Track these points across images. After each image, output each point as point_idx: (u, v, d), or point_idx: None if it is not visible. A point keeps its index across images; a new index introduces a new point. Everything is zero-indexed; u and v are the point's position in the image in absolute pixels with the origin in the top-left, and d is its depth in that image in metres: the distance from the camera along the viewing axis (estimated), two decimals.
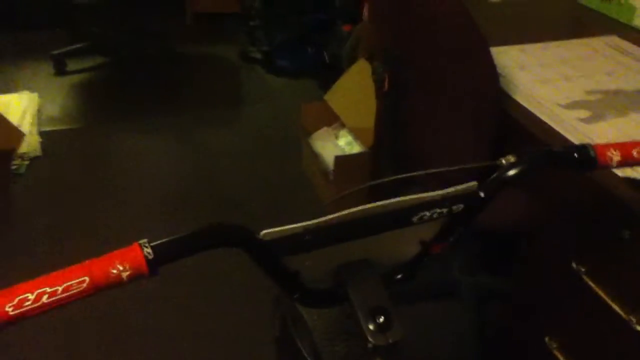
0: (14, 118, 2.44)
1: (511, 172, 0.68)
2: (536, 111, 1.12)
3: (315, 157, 2.20)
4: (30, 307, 0.50)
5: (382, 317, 0.69)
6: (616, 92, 1.19)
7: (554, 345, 1.04)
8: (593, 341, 0.98)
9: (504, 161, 0.70)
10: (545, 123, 1.08)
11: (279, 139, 2.60)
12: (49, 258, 1.85)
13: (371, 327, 0.68)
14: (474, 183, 0.68)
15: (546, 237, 1.08)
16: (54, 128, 2.59)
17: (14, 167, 2.28)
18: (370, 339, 0.68)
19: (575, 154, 0.68)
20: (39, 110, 2.67)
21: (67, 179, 2.30)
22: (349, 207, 0.65)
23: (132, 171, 2.37)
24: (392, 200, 0.66)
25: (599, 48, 1.39)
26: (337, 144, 2.21)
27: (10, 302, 0.49)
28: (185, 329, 1.68)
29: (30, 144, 2.39)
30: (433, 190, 0.66)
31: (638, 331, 0.85)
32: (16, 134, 2.23)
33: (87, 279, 0.52)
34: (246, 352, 1.61)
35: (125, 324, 1.69)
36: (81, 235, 1.99)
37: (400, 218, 0.67)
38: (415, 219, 0.67)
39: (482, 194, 0.68)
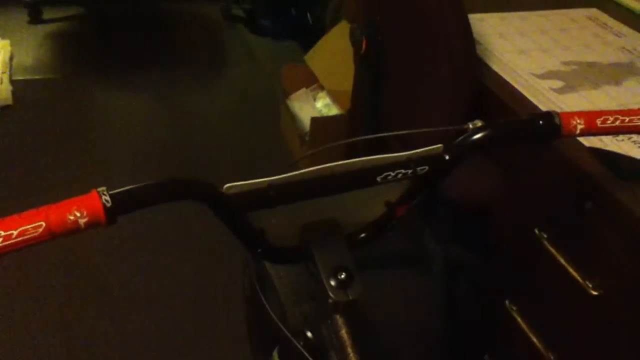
0: None
1: (476, 136, 0.68)
2: (511, 80, 1.12)
3: (293, 118, 2.18)
4: None
5: (343, 274, 0.70)
6: (591, 65, 1.20)
7: (514, 309, 1.07)
8: (550, 305, 1.01)
9: (470, 126, 0.70)
10: (518, 92, 1.09)
11: (258, 100, 2.58)
12: (15, 208, 1.83)
13: (332, 283, 0.69)
14: (439, 146, 0.69)
15: (512, 205, 1.10)
16: (27, 77, 2.52)
17: None
18: (331, 294, 0.69)
19: (540, 122, 0.68)
20: (11, 59, 2.60)
21: (38, 130, 2.26)
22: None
23: (106, 126, 2.33)
24: (358, 159, 0.67)
25: (578, 20, 1.39)
26: (314, 106, 2.20)
27: None
28: (155, 289, 1.69)
29: (1, 92, 2.33)
30: None
31: (593, 296, 0.87)
32: None
33: (43, 224, 0.51)
34: (218, 311, 1.62)
35: (94, 283, 1.68)
36: (49, 187, 1.97)
37: (365, 177, 0.67)
38: (379, 178, 0.67)
39: (447, 157, 0.68)
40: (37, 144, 2.18)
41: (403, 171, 0.68)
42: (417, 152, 0.68)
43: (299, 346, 0.83)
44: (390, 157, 0.67)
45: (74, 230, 0.53)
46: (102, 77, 2.62)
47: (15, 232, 0.51)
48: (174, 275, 1.73)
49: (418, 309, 1.56)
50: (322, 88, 2.21)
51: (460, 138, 0.69)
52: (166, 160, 2.18)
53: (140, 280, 1.70)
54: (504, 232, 1.15)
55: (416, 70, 1.25)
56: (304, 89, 2.28)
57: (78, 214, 0.52)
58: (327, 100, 2.18)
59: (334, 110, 2.12)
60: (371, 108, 1.55)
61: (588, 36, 1.31)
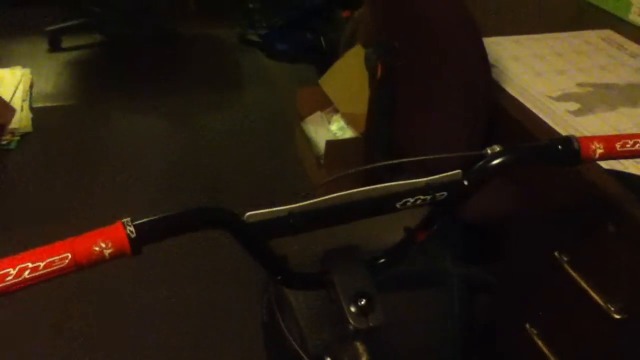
0: (5, 94, 2.43)
1: (495, 162, 0.68)
2: (527, 103, 1.12)
3: (308, 141, 2.20)
4: (12, 282, 0.50)
5: (364, 301, 0.70)
6: (608, 86, 1.20)
7: (534, 332, 1.06)
8: (572, 329, 1.00)
9: (489, 151, 0.71)
10: (534, 115, 1.09)
11: (273, 123, 2.60)
12: (37, 235, 1.85)
13: (353, 309, 0.69)
14: (458, 172, 0.69)
15: (530, 227, 1.09)
16: (47, 104, 2.57)
17: (4, 142, 2.27)
18: (351, 321, 0.69)
19: (559, 146, 0.68)
20: (31, 87, 2.65)
21: (58, 156, 2.29)
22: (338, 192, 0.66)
23: (124, 151, 2.36)
24: (377, 186, 0.67)
25: (593, 42, 1.39)
26: (329, 129, 2.22)
27: None
28: (173, 310, 1.69)
29: (22, 119, 2.37)
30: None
31: (615, 319, 0.86)
32: (7, 110, 2.23)
33: (69, 255, 0.52)
34: (234, 336, 1.62)
35: (112, 302, 1.70)
36: (69, 214, 1.99)
37: (385, 204, 0.68)
38: (398, 205, 0.67)
39: (466, 182, 0.69)
40: (57, 171, 2.21)
41: (422, 197, 0.68)
42: (435, 178, 0.68)
43: None
44: (409, 183, 0.68)
45: (99, 262, 0.53)
46: (120, 102, 2.66)
47: (42, 264, 0.52)
48: (187, 295, 1.74)
49: (435, 331, 1.54)
50: (336, 111, 2.23)
51: (480, 164, 0.69)
52: (183, 184, 2.20)
53: (148, 299, 1.71)
54: (523, 254, 1.14)
55: (431, 93, 1.25)
56: (318, 112, 2.30)
57: (103, 245, 0.53)
58: (342, 123, 2.20)
59: (348, 133, 2.13)
60: (386, 131, 1.56)
61: (603, 57, 1.31)
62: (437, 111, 1.26)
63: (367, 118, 1.76)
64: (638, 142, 0.69)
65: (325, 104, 2.26)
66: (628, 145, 0.69)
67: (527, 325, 1.09)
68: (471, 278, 1.42)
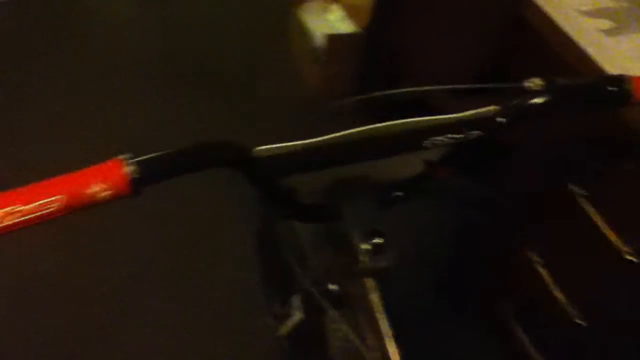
0: None
1: (537, 100, 0.61)
2: (552, 14, 1.02)
3: (303, 32, 2.06)
4: None
5: (378, 239, 0.65)
6: None
7: (538, 261, 1.05)
8: (579, 263, 0.98)
9: (529, 84, 0.63)
10: (561, 31, 0.99)
11: (263, 6, 2.41)
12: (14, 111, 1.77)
13: (364, 247, 0.65)
14: (493, 107, 0.62)
15: (547, 154, 1.04)
16: None
17: None
18: (362, 259, 0.65)
19: (609, 87, 0.61)
20: None
21: (33, 29, 2.14)
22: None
23: (100, 28, 2.22)
24: (402, 121, 0.60)
25: None
26: (326, 19, 2.06)
27: None
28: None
29: None
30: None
31: (627, 261, 0.84)
32: None
33: (62, 197, 0.46)
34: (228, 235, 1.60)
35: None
36: (47, 91, 1.89)
37: (410, 141, 0.61)
38: (426, 143, 0.61)
39: (502, 120, 0.62)
40: (35, 44, 2.07)
41: (451, 136, 0.61)
42: (468, 115, 0.61)
43: (321, 299, 0.81)
44: (438, 119, 0.61)
45: (95, 204, 0.47)
46: None
47: (31, 206, 0.45)
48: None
49: (431, 244, 1.53)
50: (335, 0, 2.07)
51: (519, 100, 0.62)
52: (172, 66, 2.08)
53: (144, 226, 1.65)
54: (534, 178, 1.09)
55: None
56: (315, 0, 2.13)
57: (100, 187, 0.47)
58: (341, 13, 2.04)
59: (347, 25, 1.99)
60: (392, 30, 1.45)
61: None
62: (450, 17, 1.15)
63: (372, 12, 1.63)
64: None
65: None
66: None
67: (531, 254, 1.07)
68: (471, 192, 1.39)
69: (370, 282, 0.71)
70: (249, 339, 1.35)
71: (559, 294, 0.99)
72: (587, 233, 0.90)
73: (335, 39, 1.87)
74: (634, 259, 0.83)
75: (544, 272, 1.02)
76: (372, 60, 1.68)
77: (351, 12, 1.97)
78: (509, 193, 1.14)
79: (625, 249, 0.84)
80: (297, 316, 0.92)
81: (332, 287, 0.81)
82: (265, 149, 0.56)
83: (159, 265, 1.50)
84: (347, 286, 0.78)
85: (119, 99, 1.92)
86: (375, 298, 0.71)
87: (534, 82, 0.63)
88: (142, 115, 1.85)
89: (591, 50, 0.94)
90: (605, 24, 1.02)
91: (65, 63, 2.03)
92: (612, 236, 0.86)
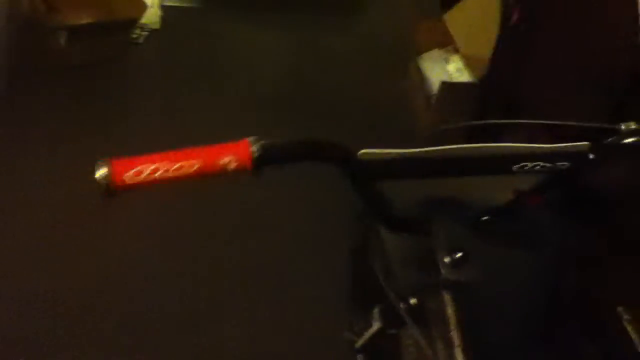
0: None
1: (629, 140, 0.64)
2: None
3: (421, 78, 2.14)
4: (144, 178, 0.55)
5: (459, 254, 0.70)
6: None
7: (626, 317, 1.02)
8: None
9: (623, 127, 0.66)
10: None
11: (389, 52, 2.55)
12: (147, 126, 1.98)
13: (446, 260, 0.70)
14: (586, 143, 0.66)
15: None
16: (175, 4, 2.66)
17: (134, 36, 2.39)
18: (443, 271, 0.70)
19: None
20: None
21: (180, 57, 2.40)
22: (446, 139, 0.65)
23: (243, 61, 2.43)
24: (496, 145, 0.65)
25: None
26: (445, 69, 2.14)
27: (129, 171, 0.54)
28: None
29: (151, 16, 2.48)
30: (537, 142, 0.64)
31: None
32: (139, 4, 2.32)
33: (197, 163, 0.56)
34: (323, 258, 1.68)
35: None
36: (181, 114, 2.10)
37: (501, 164, 0.66)
38: (515, 167, 0.66)
39: (591, 156, 0.65)
40: (176, 72, 2.32)
41: (542, 164, 0.66)
42: (560, 147, 0.66)
43: (401, 310, 0.85)
44: (530, 147, 0.66)
45: (222, 174, 0.57)
46: (244, 11, 2.70)
47: (172, 168, 0.56)
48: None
49: (523, 295, 1.51)
50: (456, 51, 2.14)
51: (611, 139, 0.65)
52: (294, 99, 2.25)
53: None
54: (630, 234, 1.08)
55: (568, 50, 1.17)
56: (436, 50, 2.22)
57: (227, 160, 0.56)
58: (460, 64, 2.11)
59: (465, 76, 2.05)
60: (509, 80, 1.49)
61: None
62: (570, 71, 1.18)
63: (491, 63, 1.68)
64: None
65: (445, 42, 2.18)
66: None
67: (620, 309, 1.05)
68: (567, 246, 1.37)
69: (448, 296, 0.75)
70: (328, 350, 1.40)
71: None
72: None
73: (448, 87, 1.94)
74: None
75: (631, 329, 1.00)
76: (486, 110, 1.72)
77: (470, 62, 2.03)
78: (606, 243, 1.12)
79: None
80: (375, 326, 0.97)
81: (412, 301, 0.86)
82: (369, 152, 0.63)
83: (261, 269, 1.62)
84: (428, 301, 0.82)
85: (252, 129, 2.09)
86: (451, 312, 0.75)
87: (628, 125, 0.66)
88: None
89: None
90: None
91: (207, 84, 2.26)
92: None
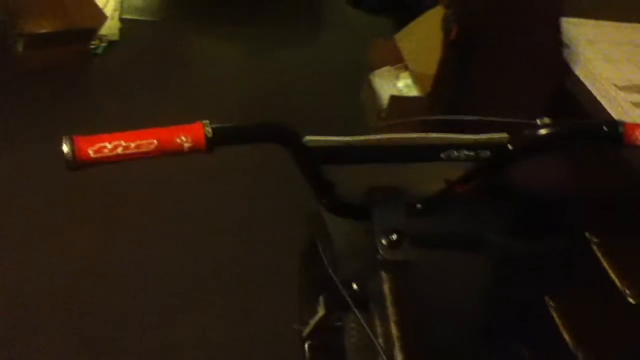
0: (99, 1, 2.56)
1: (542, 132, 0.73)
2: (591, 87, 1.14)
3: (373, 93, 2.24)
4: (106, 154, 0.60)
5: (395, 236, 0.77)
6: None
7: (552, 305, 1.12)
8: (587, 307, 1.05)
9: (539, 121, 0.75)
10: (596, 100, 1.11)
11: (344, 69, 2.65)
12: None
13: (384, 242, 0.77)
14: (504, 134, 0.74)
15: (570, 205, 1.13)
16: (134, 17, 2.70)
17: (92, 46, 2.42)
18: (380, 252, 0.77)
19: (605, 128, 0.72)
20: None
21: (138, 67, 2.43)
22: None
23: (200, 73, 2.48)
24: (427, 134, 0.73)
25: None
26: (395, 85, 2.25)
27: (92, 147, 0.59)
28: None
29: (111, 27, 2.51)
30: None
31: (630, 303, 0.91)
32: (99, 15, 2.35)
33: (155, 142, 0.61)
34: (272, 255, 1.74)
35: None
36: (142, 121, 2.12)
37: (431, 151, 0.74)
38: (443, 155, 0.73)
39: (510, 147, 0.74)
40: (135, 81, 2.35)
41: (466, 152, 0.74)
42: (482, 137, 0.74)
43: (345, 295, 0.92)
44: (456, 137, 0.74)
45: (178, 152, 0.62)
46: (204, 25, 2.77)
47: (133, 144, 0.61)
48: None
49: (464, 293, 1.60)
50: (406, 68, 2.26)
51: (527, 131, 0.74)
52: (252, 112, 2.30)
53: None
54: (556, 228, 1.18)
55: (502, 63, 1.28)
56: (388, 67, 2.33)
57: (184, 139, 0.62)
58: (409, 81, 2.22)
59: (413, 92, 2.16)
60: (452, 94, 1.60)
61: None
62: (503, 81, 1.29)
63: (435, 79, 1.79)
64: None
65: (397, 60, 2.29)
66: None
67: (546, 298, 1.14)
68: (505, 248, 1.47)
69: (385, 275, 0.82)
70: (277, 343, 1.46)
71: (567, 336, 1.05)
72: (597, 278, 0.98)
73: (397, 101, 2.04)
74: (636, 302, 0.90)
75: (555, 315, 1.09)
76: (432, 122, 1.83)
77: (418, 79, 2.14)
78: (536, 245, 1.23)
79: (629, 292, 0.91)
80: (320, 313, 1.03)
81: (355, 286, 0.92)
82: (314, 139, 0.70)
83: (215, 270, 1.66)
84: (368, 283, 0.89)
85: None
86: (387, 288, 0.82)
87: (543, 120, 0.75)
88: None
89: (617, 117, 1.05)
90: (638, 98, 1.13)
91: (165, 95, 2.30)
92: (619, 280, 0.93)
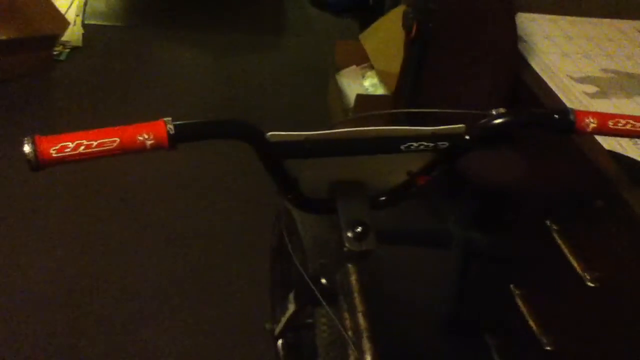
0: (61, 6, 2.53)
1: (496, 121, 0.76)
2: (547, 79, 1.18)
3: (339, 93, 2.27)
4: (69, 153, 0.60)
5: (360, 228, 0.79)
6: (630, 76, 1.24)
7: (517, 292, 1.15)
8: (551, 293, 1.08)
9: (494, 112, 0.78)
10: (552, 91, 1.15)
11: (310, 71, 2.67)
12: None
13: (349, 234, 0.79)
14: (461, 125, 0.77)
15: (530, 196, 1.17)
16: (98, 22, 2.68)
17: (55, 52, 2.39)
18: (346, 244, 0.79)
19: (556, 116, 0.75)
20: (85, 3, 2.76)
21: (102, 72, 2.41)
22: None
23: (164, 76, 2.47)
24: (387, 127, 0.75)
25: (627, 31, 1.42)
26: (362, 84, 2.28)
27: (54, 147, 0.60)
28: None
29: (73, 33, 2.49)
30: None
31: (589, 287, 0.94)
32: (61, 21, 2.33)
33: (117, 140, 0.62)
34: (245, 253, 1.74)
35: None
36: (107, 124, 2.09)
37: (391, 144, 0.76)
38: (403, 147, 0.75)
39: (467, 137, 0.76)
40: (99, 86, 2.33)
41: (425, 144, 0.76)
42: (440, 129, 0.76)
43: (315, 289, 0.93)
44: (415, 129, 0.76)
45: (141, 149, 0.63)
46: (168, 30, 2.76)
47: (95, 143, 0.61)
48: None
49: (431, 285, 1.64)
50: (371, 67, 2.29)
51: (482, 121, 0.76)
52: (217, 113, 2.31)
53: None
54: (518, 219, 1.22)
55: (460, 59, 1.31)
56: (354, 67, 2.36)
57: (146, 136, 0.63)
58: (375, 80, 2.25)
59: (380, 91, 2.20)
60: (413, 89, 1.62)
61: (633, 48, 1.35)
62: (462, 77, 1.32)
63: (399, 76, 1.82)
64: (630, 123, 0.76)
65: (362, 60, 2.32)
66: (620, 124, 0.76)
67: (512, 286, 1.17)
68: (471, 241, 1.50)
69: (351, 267, 0.84)
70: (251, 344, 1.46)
71: (532, 323, 1.08)
72: (558, 264, 1.01)
73: (363, 99, 2.07)
74: (594, 285, 0.94)
75: (521, 303, 1.12)
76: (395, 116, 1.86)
77: (384, 78, 2.17)
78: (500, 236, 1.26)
79: (588, 276, 0.95)
80: (290, 309, 1.04)
81: (324, 280, 0.94)
82: (277, 134, 0.71)
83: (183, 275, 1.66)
84: (336, 277, 0.91)
85: None
86: (354, 281, 0.83)
87: (498, 110, 0.78)
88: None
89: (571, 106, 1.09)
90: (591, 88, 1.17)
91: (129, 100, 2.29)
92: (578, 265, 0.97)
